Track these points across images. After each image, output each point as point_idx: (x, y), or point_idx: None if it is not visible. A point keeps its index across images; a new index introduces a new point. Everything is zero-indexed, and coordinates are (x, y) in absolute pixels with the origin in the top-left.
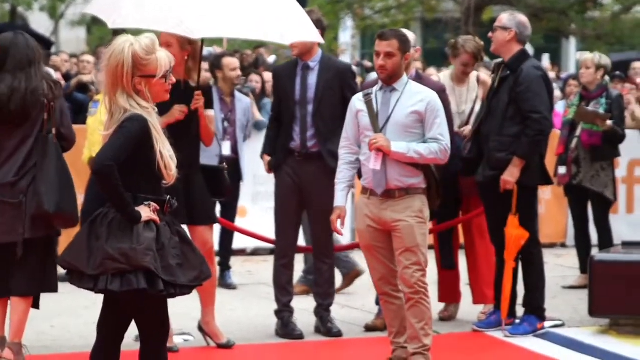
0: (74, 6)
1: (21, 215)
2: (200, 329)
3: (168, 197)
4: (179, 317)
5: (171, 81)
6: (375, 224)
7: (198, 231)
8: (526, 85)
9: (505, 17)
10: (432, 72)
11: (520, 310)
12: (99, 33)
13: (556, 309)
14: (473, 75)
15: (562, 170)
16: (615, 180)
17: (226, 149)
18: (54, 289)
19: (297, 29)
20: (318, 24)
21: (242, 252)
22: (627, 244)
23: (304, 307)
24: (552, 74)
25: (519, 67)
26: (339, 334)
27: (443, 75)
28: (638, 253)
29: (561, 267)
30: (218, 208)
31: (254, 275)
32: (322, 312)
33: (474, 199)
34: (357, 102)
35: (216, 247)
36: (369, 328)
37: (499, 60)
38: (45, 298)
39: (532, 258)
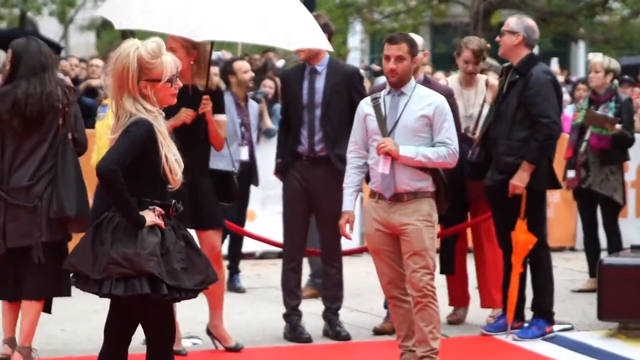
0: (83, 11)
1: (36, 219)
2: (209, 332)
3: (173, 201)
4: (187, 320)
5: (177, 85)
6: (384, 228)
7: (206, 235)
8: (535, 89)
9: (513, 21)
10: (439, 77)
11: (529, 314)
12: (108, 37)
13: (565, 312)
14: (481, 78)
15: (571, 174)
16: (625, 184)
17: (244, 154)
18: (67, 293)
19: (303, 34)
20: (325, 28)
21: (251, 256)
22: (636, 248)
23: (312, 311)
24: (560, 78)
25: (528, 71)
26: (347, 337)
27: (451, 79)
28: None
29: (570, 270)
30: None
31: (262, 278)
32: (331, 315)
33: (481, 203)
34: (365, 106)
35: (225, 250)
36: (377, 331)
37: (507, 64)
38: (55, 302)
39: (540, 262)
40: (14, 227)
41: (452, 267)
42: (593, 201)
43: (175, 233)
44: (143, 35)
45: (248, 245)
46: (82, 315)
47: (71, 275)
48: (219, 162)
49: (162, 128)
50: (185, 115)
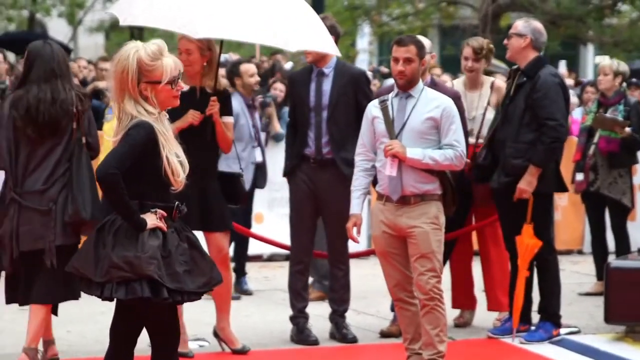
0: (92, 12)
1: (51, 222)
2: (216, 334)
3: (177, 203)
4: (194, 322)
5: (179, 87)
6: (391, 230)
7: (213, 237)
8: (543, 92)
9: (521, 24)
10: (445, 79)
11: (535, 317)
12: (117, 39)
13: (572, 315)
14: (487, 81)
15: (580, 177)
16: (633, 187)
17: (259, 155)
18: (76, 297)
19: (307, 36)
20: (332, 30)
21: (258, 258)
22: None
23: (319, 313)
24: (569, 81)
25: (536, 74)
26: (354, 340)
27: (456, 82)
28: None
29: (577, 273)
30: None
31: (270, 281)
32: (337, 318)
33: (484, 206)
34: (372, 108)
35: (230, 253)
36: (384, 334)
37: (515, 66)
38: (61, 303)
39: (547, 264)
40: (28, 230)
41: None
42: (601, 204)
43: (178, 235)
44: (153, 36)
45: (255, 248)
46: (88, 317)
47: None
48: (228, 164)
49: (164, 130)
50: (192, 117)
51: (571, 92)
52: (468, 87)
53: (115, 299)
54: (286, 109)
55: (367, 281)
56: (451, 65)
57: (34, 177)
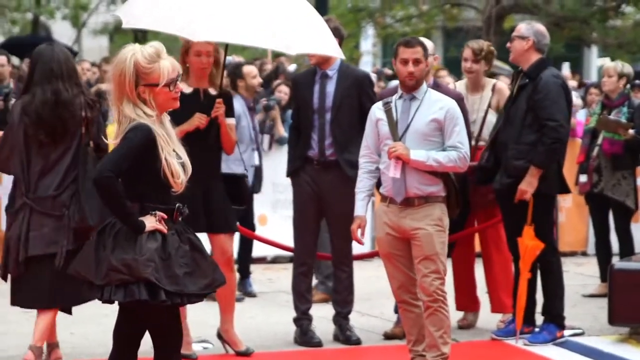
0: (96, 15)
1: (64, 227)
2: (219, 336)
3: (178, 205)
4: (198, 324)
5: (178, 89)
6: (395, 232)
7: (218, 239)
8: (544, 93)
9: (523, 27)
10: (448, 81)
11: (539, 319)
12: (121, 41)
13: (576, 317)
14: (489, 83)
15: (583, 178)
16: (637, 189)
17: (257, 158)
18: (85, 300)
19: (308, 39)
20: (336, 32)
21: (262, 260)
22: None
23: (322, 315)
24: (573, 83)
25: (538, 75)
26: (357, 342)
27: (459, 84)
28: None
29: (581, 275)
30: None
31: (274, 283)
32: (341, 320)
33: (485, 209)
34: (376, 110)
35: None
36: (387, 336)
37: (519, 69)
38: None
39: (550, 266)
40: (39, 235)
41: None
42: (605, 206)
43: (179, 237)
44: (156, 38)
45: (259, 250)
46: (91, 319)
47: None
48: (229, 165)
49: (164, 132)
50: (199, 120)
51: (575, 93)
52: (470, 89)
53: (116, 302)
54: (290, 112)
55: (371, 283)
56: (455, 67)
57: (46, 183)
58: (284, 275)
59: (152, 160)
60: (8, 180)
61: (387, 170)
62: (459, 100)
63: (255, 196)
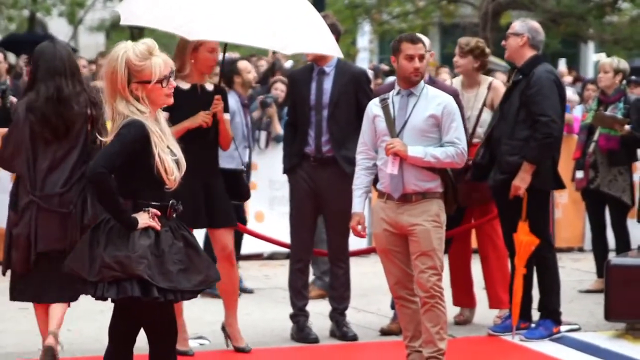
0: (93, 12)
1: (70, 224)
2: (224, 330)
3: (172, 201)
4: (195, 321)
5: (171, 85)
6: (392, 228)
7: (218, 234)
8: (537, 88)
9: (518, 24)
10: (445, 71)
11: (536, 314)
12: (118, 38)
13: (572, 313)
14: (485, 81)
15: (580, 174)
16: (633, 184)
17: (247, 155)
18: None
19: (305, 38)
20: (332, 28)
21: (259, 257)
22: None
23: (319, 311)
24: (569, 79)
25: (531, 71)
26: (354, 338)
27: (455, 81)
28: None
29: (578, 271)
30: None
31: (270, 279)
32: (338, 316)
33: (480, 205)
34: (373, 107)
35: None
36: (384, 332)
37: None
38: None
39: (546, 262)
40: (46, 232)
41: None
42: (601, 202)
43: (173, 234)
44: (153, 36)
45: (256, 246)
46: (88, 316)
47: None
48: (226, 161)
49: (157, 128)
50: (203, 119)
51: (571, 89)
52: (465, 86)
53: (104, 300)
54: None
55: (368, 279)
56: (451, 63)
57: (52, 180)
58: (281, 271)
59: (146, 156)
60: (6, 179)
61: (384, 166)
62: (455, 96)
63: (252, 193)
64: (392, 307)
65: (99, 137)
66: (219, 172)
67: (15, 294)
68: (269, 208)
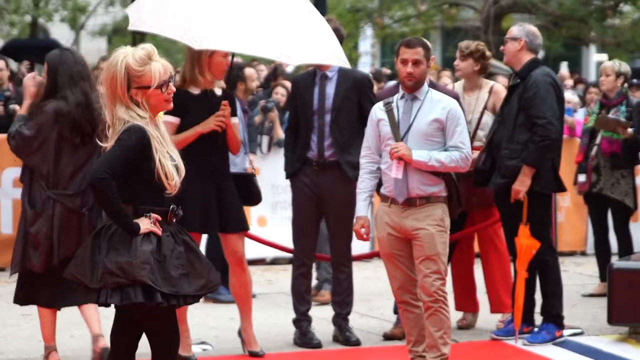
0: (94, 17)
1: (83, 227)
2: (240, 335)
3: (172, 206)
4: (197, 326)
5: (170, 91)
6: (396, 232)
7: (230, 239)
8: (534, 91)
9: (515, 29)
10: (446, 79)
11: (538, 319)
12: (120, 43)
13: (575, 317)
14: (486, 85)
15: (582, 178)
16: (636, 188)
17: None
18: None
19: (310, 48)
20: (336, 32)
21: (261, 262)
22: None
23: (322, 316)
24: (570, 82)
25: (529, 75)
26: (357, 342)
27: (457, 84)
28: None
29: (581, 275)
30: None
31: (273, 284)
32: (341, 320)
33: (482, 209)
34: (378, 111)
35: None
36: (387, 337)
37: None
38: (64, 309)
39: (547, 265)
40: (67, 236)
41: None
42: (604, 205)
43: (174, 239)
44: (155, 41)
45: (259, 251)
46: None
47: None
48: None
49: (158, 133)
50: (216, 123)
51: (571, 91)
52: (466, 89)
53: (107, 306)
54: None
55: (370, 284)
56: (453, 67)
57: (76, 182)
58: (283, 276)
59: (146, 161)
60: (9, 186)
61: (389, 170)
62: (455, 99)
63: None
64: (395, 311)
65: (99, 142)
66: (230, 175)
67: (22, 298)
68: (272, 213)
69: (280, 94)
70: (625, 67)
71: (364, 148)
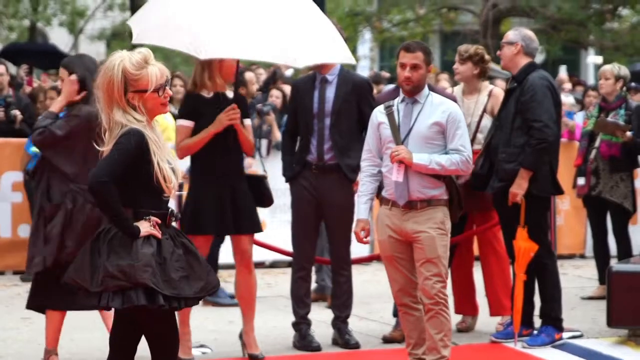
0: (93, 21)
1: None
2: (241, 337)
3: (170, 209)
4: (196, 329)
5: (167, 94)
6: (397, 235)
7: (240, 240)
8: (530, 94)
9: (511, 33)
10: (445, 83)
11: (538, 321)
12: (118, 47)
13: (575, 319)
14: (485, 88)
15: (581, 181)
16: (635, 191)
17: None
18: None
19: (315, 49)
20: None
21: (261, 265)
22: None
23: (321, 319)
24: (569, 85)
25: (525, 78)
26: (356, 345)
27: (457, 89)
28: None
29: (580, 278)
30: None
31: (272, 287)
32: (340, 323)
33: (480, 213)
34: (378, 114)
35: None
36: (386, 340)
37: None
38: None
39: (546, 268)
40: (81, 230)
41: None
42: (603, 208)
43: (173, 241)
44: (154, 46)
45: (258, 254)
46: (91, 325)
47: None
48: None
49: (155, 136)
50: (228, 118)
51: (564, 94)
52: (465, 93)
53: (108, 310)
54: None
55: (370, 287)
56: (452, 71)
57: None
58: (282, 279)
59: (145, 164)
60: (7, 189)
61: (389, 173)
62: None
63: None
64: (394, 314)
65: (96, 146)
66: (243, 177)
67: (37, 304)
68: (271, 216)
69: (275, 96)
70: (624, 71)
71: (365, 151)
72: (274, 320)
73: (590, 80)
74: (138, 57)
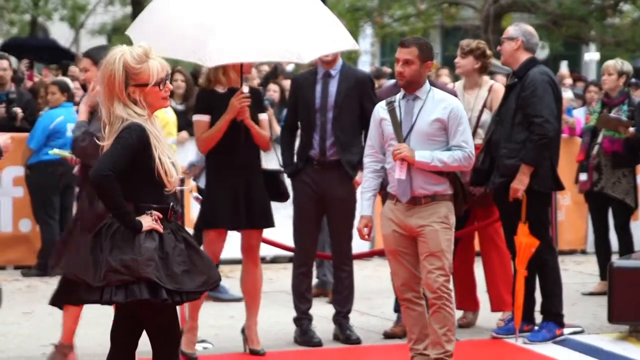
0: (94, 16)
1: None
2: (243, 332)
3: (172, 204)
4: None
5: (167, 88)
6: (401, 230)
7: (250, 235)
8: (531, 90)
9: (511, 29)
10: (445, 78)
11: (539, 317)
12: (119, 42)
13: (576, 315)
14: (486, 83)
15: (583, 177)
16: (637, 187)
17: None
18: None
19: (320, 41)
20: None
21: (262, 260)
22: None
23: (322, 314)
24: (569, 81)
25: (526, 74)
26: (357, 341)
27: (458, 84)
28: None
29: (581, 273)
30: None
31: (274, 282)
32: (341, 319)
33: (482, 209)
34: (380, 110)
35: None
36: (387, 335)
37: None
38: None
39: (546, 264)
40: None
41: None
42: (605, 204)
43: (175, 236)
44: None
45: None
46: (93, 320)
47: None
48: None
49: (156, 131)
50: (238, 102)
51: (563, 89)
52: (466, 87)
53: (111, 304)
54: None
55: (371, 282)
56: (453, 66)
57: None
58: (284, 275)
59: (146, 159)
60: (8, 184)
61: (392, 171)
62: None
63: None
64: (396, 310)
65: (97, 141)
66: (260, 171)
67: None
68: (272, 211)
69: (273, 90)
70: (627, 66)
71: (368, 147)
72: (275, 316)
73: (591, 76)
74: (139, 51)
